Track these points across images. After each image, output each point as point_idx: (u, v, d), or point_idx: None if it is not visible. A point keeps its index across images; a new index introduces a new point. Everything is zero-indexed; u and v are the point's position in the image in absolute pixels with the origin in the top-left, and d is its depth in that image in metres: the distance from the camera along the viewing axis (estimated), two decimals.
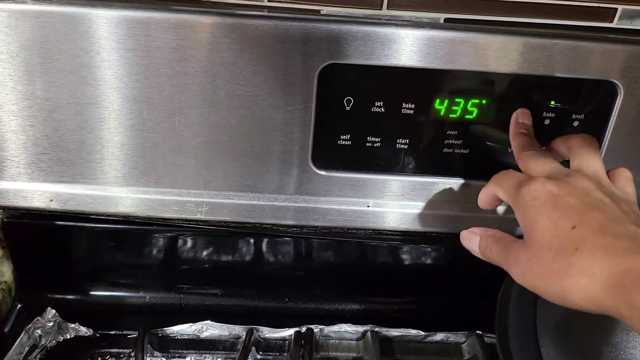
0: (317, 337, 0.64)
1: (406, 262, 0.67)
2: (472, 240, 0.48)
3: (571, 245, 0.38)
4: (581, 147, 0.46)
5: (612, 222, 0.39)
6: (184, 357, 0.61)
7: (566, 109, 0.52)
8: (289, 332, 0.63)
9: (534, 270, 0.40)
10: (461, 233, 0.49)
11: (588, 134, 0.52)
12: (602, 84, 0.50)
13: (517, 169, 0.48)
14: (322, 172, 0.54)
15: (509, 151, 0.52)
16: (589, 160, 0.45)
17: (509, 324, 0.49)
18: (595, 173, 0.44)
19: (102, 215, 0.57)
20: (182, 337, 0.63)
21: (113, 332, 0.63)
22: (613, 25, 0.54)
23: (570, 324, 0.39)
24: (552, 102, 0.51)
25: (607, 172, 0.46)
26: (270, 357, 0.62)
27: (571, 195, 0.41)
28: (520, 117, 0.51)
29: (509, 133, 0.51)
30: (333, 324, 0.64)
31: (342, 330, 0.64)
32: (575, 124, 0.52)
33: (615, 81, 0.50)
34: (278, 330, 0.63)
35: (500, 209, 0.56)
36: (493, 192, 0.48)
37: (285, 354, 0.62)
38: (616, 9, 0.54)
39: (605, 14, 0.54)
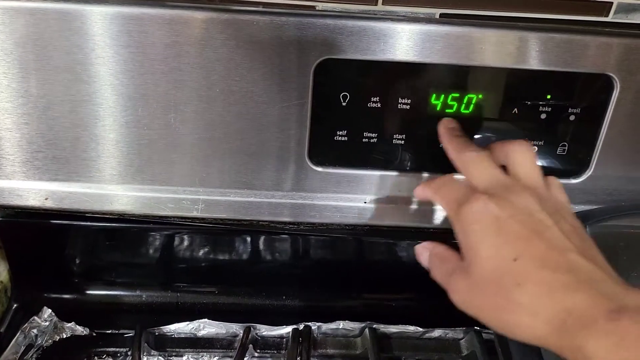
0: (315, 335, 0.63)
1: (403, 258, 0.67)
2: (423, 255, 0.47)
3: (513, 280, 0.37)
4: (519, 154, 0.44)
5: (553, 250, 0.37)
6: (181, 356, 0.61)
7: (562, 103, 0.52)
8: (286, 330, 0.63)
9: (475, 302, 0.39)
10: (415, 247, 0.48)
11: (584, 127, 0.52)
12: (598, 77, 0.50)
13: None
14: (319, 169, 0.54)
15: None
16: (528, 168, 0.44)
17: None
18: (534, 182, 0.43)
19: (98, 214, 0.56)
20: (179, 336, 0.63)
21: (109, 331, 0.63)
22: (609, 19, 0.54)
23: None
24: (548, 96, 0.51)
25: None
26: (267, 355, 0.62)
27: (514, 218, 0.39)
28: (447, 124, 0.50)
29: (442, 141, 0.49)
30: (331, 321, 0.64)
31: (340, 327, 0.64)
32: (572, 117, 0.52)
33: (611, 74, 0.50)
34: (276, 327, 0.63)
35: None
36: (430, 198, 0.47)
37: (283, 351, 0.62)
38: (612, 3, 0.53)
39: (600, 9, 0.54)
